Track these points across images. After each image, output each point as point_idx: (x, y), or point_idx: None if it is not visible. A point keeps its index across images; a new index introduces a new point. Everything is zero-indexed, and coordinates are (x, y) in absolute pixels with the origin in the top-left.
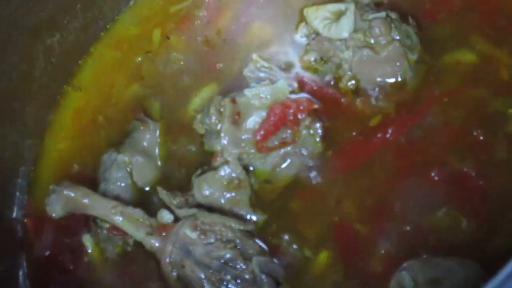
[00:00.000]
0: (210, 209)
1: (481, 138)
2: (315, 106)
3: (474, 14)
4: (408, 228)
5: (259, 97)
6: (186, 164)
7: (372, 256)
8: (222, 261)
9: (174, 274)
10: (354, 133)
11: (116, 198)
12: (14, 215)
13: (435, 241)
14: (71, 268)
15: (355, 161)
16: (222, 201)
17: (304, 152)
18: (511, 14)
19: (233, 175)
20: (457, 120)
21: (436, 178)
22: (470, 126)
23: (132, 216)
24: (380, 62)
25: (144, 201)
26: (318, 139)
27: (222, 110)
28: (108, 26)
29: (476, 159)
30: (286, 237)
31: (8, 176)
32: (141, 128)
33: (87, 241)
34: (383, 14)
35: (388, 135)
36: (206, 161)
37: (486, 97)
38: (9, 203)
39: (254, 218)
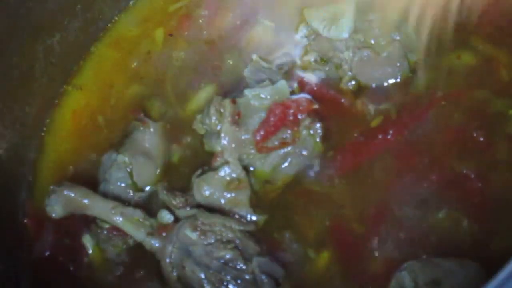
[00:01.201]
0: (210, 209)
1: (482, 139)
2: (315, 106)
3: (474, 14)
4: (408, 229)
5: (259, 97)
6: (186, 164)
7: (373, 257)
8: (222, 261)
9: (175, 274)
10: (354, 134)
11: (116, 198)
12: (14, 215)
13: (435, 241)
14: (71, 268)
15: (356, 162)
16: (222, 201)
17: (304, 152)
18: (511, 14)
19: (233, 175)
20: (458, 121)
21: (437, 179)
22: (471, 127)
23: (132, 216)
24: (380, 62)
25: (144, 202)
26: (318, 140)
27: (222, 110)
28: (108, 26)
29: (476, 160)
30: (286, 236)
31: (8, 177)
32: (141, 128)
33: (87, 241)
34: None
35: (389, 136)
36: (206, 162)
37: (486, 98)
38: (9, 203)
39: (254, 218)
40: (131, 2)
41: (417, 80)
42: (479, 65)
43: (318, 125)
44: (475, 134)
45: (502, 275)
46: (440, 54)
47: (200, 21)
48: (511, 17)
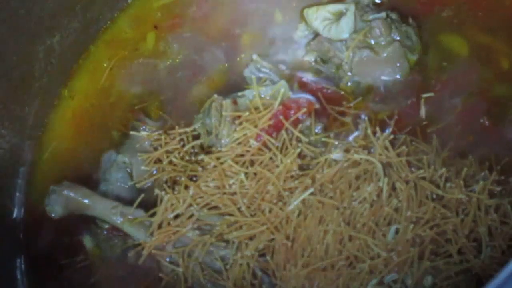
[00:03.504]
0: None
1: (487, 123)
2: (316, 106)
3: (470, 4)
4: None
5: (259, 97)
6: None
7: None
8: (223, 261)
9: (175, 274)
10: (355, 134)
11: (116, 198)
12: (14, 215)
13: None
14: (71, 268)
15: None
16: None
17: None
18: (507, 3)
19: None
20: (463, 107)
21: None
22: (477, 112)
23: (132, 216)
24: (380, 62)
25: (144, 202)
26: None
27: (222, 110)
28: (107, 26)
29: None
30: None
31: (8, 176)
32: (141, 128)
33: (87, 241)
34: (383, 14)
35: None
36: None
37: (488, 84)
38: (9, 203)
39: None
40: (129, 1)
41: (416, 76)
42: (477, 54)
43: (318, 126)
44: (481, 120)
45: (502, 275)
46: (438, 46)
47: (199, 21)
48: (507, 6)
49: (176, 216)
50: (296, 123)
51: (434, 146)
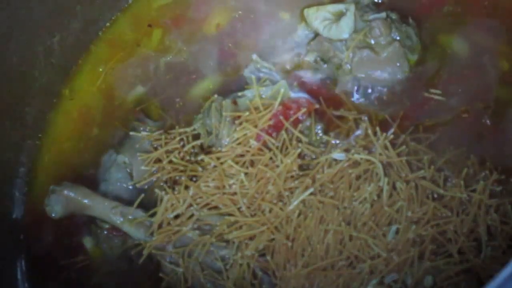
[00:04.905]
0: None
1: (489, 122)
2: (316, 106)
3: (469, 5)
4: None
5: (259, 97)
6: None
7: None
8: (223, 261)
9: (175, 274)
10: (355, 134)
11: (116, 198)
12: (14, 215)
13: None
14: (71, 268)
15: None
16: None
17: None
18: (507, 4)
19: None
20: (463, 107)
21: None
22: (478, 112)
23: (132, 216)
24: (380, 62)
25: (144, 202)
26: None
27: (222, 110)
28: (107, 26)
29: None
30: None
31: (8, 176)
32: (141, 128)
33: (87, 242)
34: (383, 14)
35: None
36: None
37: (489, 84)
38: (9, 203)
39: None
40: (130, 1)
41: (416, 76)
42: (477, 55)
43: (319, 126)
44: (483, 120)
45: (502, 275)
46: (437, 47)
47: (198, 21)
48: (505, 7)
49: (176, 216)
50: (296, 123)
51: (434, 146)
